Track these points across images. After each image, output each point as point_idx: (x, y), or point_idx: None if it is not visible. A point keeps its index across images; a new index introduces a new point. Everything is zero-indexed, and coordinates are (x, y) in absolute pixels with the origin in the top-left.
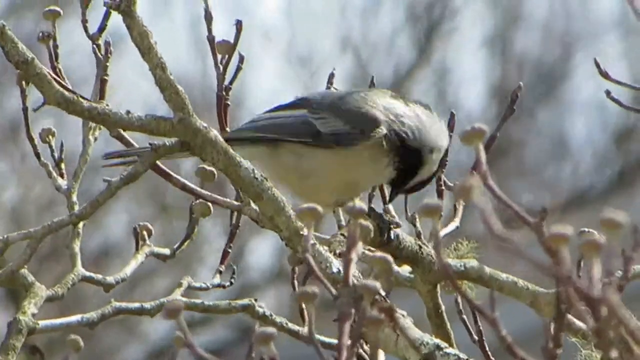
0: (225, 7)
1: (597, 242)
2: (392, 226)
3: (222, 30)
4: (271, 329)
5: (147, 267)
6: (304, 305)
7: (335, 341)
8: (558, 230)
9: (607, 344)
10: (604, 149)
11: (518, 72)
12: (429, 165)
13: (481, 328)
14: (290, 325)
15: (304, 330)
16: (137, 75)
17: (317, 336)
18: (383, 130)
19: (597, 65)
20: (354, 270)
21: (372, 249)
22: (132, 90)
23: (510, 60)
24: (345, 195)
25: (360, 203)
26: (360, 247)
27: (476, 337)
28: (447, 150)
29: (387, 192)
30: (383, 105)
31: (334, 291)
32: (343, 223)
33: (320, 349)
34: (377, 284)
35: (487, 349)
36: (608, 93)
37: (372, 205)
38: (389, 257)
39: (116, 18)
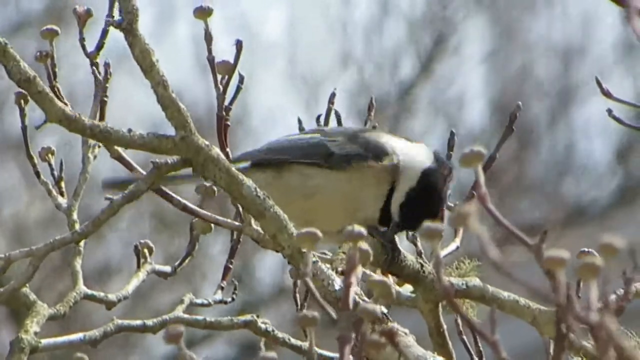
0: (228, 25)
1: (594, 265)
2: (395, 244)
3: (225, 48)
4: (272, 354)
5: (149, 284)
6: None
7: (337, 355)
8: (555, 254)
9: None
10: (605, 166)
11: (519, 89)
12: (397, 189)
13: (481, 348)
14: (293, 340)
15: (307, 346)
16: (138, 93)
17: (320, 351)
18: (395, 158)
19: (599, 83)
20: (353, 293)
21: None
22: (134, 108)
23: (511, 76)
24: (348, 222)
25: (359, 227)
26: (359, 270)
27: (476, 358)
28: (450, 173)
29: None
30: (396, 142)
31: (334, 315)
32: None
33: None
34: (377, 308)
35: None
36: (610, 111)
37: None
38: (389, 281)
39: (117, 35)
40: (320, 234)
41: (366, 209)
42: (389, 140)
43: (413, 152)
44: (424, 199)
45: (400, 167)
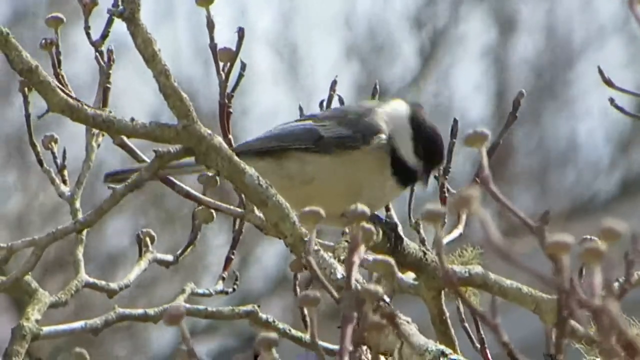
0: (229, 14)
1: (598, 250)
2: (397, 232)
3: (226, 38)
4: (273, 335)
5: (151, 273)
6: (306, 311)
7: (337, 347)
8: (559, 238)
9: (608, 353)
10: (608, 157)
11: (521, 80)
12: (400, 146)
13: (483, 336)
14: (294, 331)
15: (307, 336)
16: (140, 82)
17: (320, 343)
18: (383, 137)
19: (601, 72)
20: (356, 273)
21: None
22: (136, 97)
23: (513, 67)
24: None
25: (362, 207)
26: (362, 250)
27: (478, 345)
28: (450, 156)
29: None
30: (386, 112)
31: (336, 294)
32: (347, 230)
33: (323, 354)
34: (380, 289)
35: (489, 356)
36: (612, 101)
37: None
38: (391, 260)
39: (120, 25)
40: (323, 212)
41: (371, 189)
42: (378, 115)
43: (395, 113)
44: (429, 133)
45: (392, 136)
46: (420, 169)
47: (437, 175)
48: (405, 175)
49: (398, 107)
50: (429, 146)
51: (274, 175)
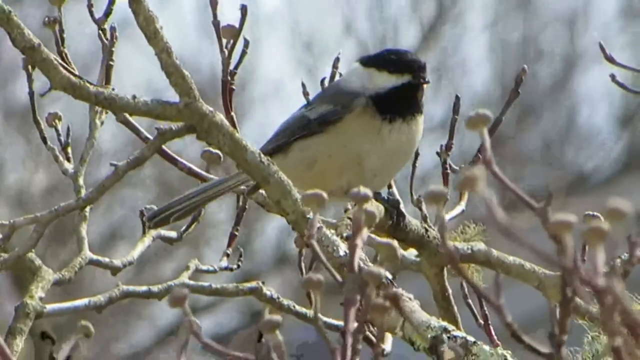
0: None
1: (601, 230)
2: (399, 209)
3: (230, 16)
4: (277, 317)
5: (155, 250)
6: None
7: (341, 323)
8: (562, 218)
9: (611, 331)
10: (609, 133)
11: (522, 56)
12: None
13: (487, 312)
14: (298, 308)
15: (311, 313)
16: (144, 60)
17: (324, 318)
18: (362, 100)
19: (602, 49)
20: (359, 255)
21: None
22: (139, 75)
23: (514, 44)
24: (355, 180)
25: (365, 189)
26: (365, 232)
27: (482, 322)
28: (452, 133)
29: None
30: (363, 77)
31: (339, 278)
32: (349, 207)
33: (326, 334)
34: (383, 271)
35: (493, 332)
36: (613, 77)
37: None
38: (394, 243)
39: (124, 3)
40: (326, 195)
41: (370, 155)
42: (357, 79)
43: (353, 70)
44: (384, 56)
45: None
46: (407, 79)
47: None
48: (397, 102)
49: (352, 65)
50: (396, 56)
51: (282, 169)
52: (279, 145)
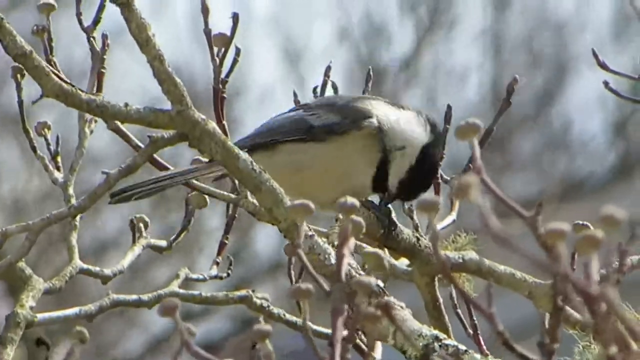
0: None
1: (595, 238)
2: (391, 218)
3: (222, 23)
4: (267, 327)
5: (145, 258)
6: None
7: (331, 331)
8: (555, 226)
9: (606, 340)
10: (602, 140)
11: (515, 64)
12: (396, 163)
13: (476, 322)
14: (288, 316)
15: (301, 321)
16: (136, 68)
17: (314, 327)
18: (374, 122)
19: (595, 55)
20: (347, 264)
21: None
22: (132, 82)
23: (507, 51)
24: (340, 192)
25: (352, 199)
26: (352, 242)
27: (471, 331)
28: (444, 144)
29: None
30: (377, 106)
31: (326, 287)
32: (340, 216)
33: (315, 344)
34: (373, 280)
35: (482, 343)
36: (606, 84)
37: (370, 199)
38: (381, 252)
39: (115, 10)
40: (313, 206)
41: (357, 175)
42: (370, 104)
43: (407, 124)
44: (424, 175)
45: (385, 131)
46: (392, 193)
47: (405, 209)
48: (379, 183)
49: (407, 118)
50: (415, 185)
51: (266, 168)
52: (265, 143)
